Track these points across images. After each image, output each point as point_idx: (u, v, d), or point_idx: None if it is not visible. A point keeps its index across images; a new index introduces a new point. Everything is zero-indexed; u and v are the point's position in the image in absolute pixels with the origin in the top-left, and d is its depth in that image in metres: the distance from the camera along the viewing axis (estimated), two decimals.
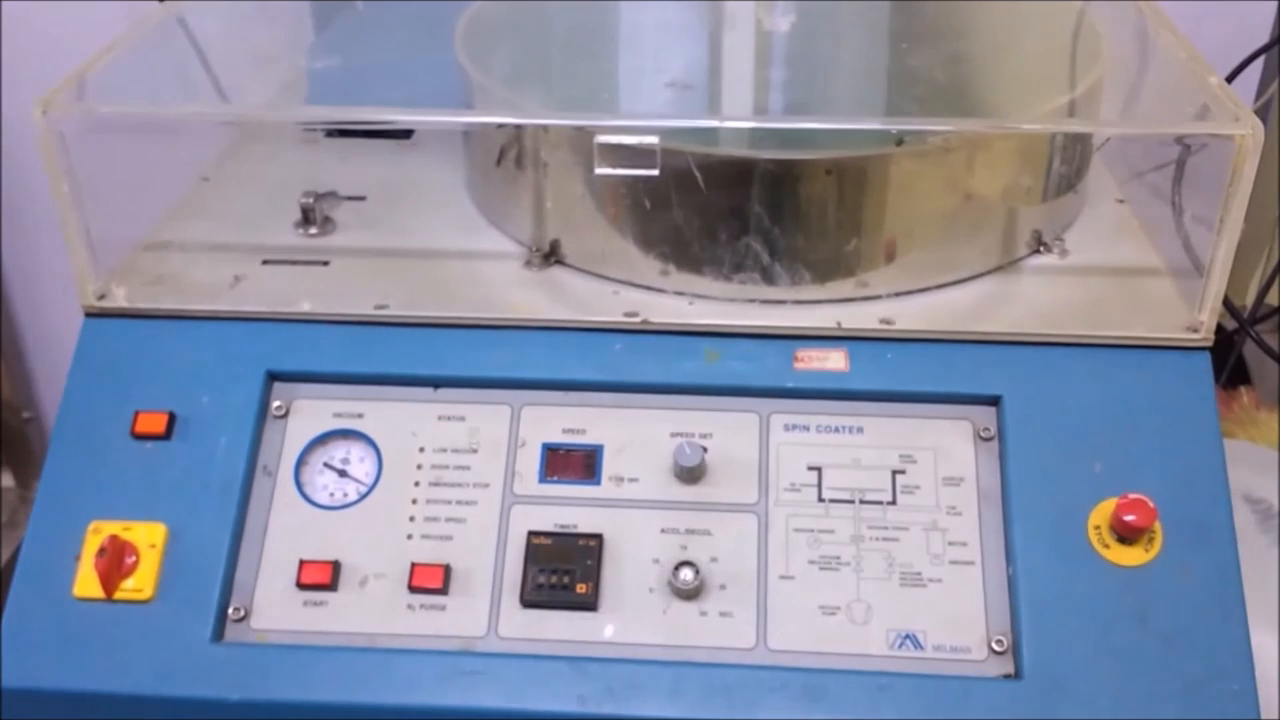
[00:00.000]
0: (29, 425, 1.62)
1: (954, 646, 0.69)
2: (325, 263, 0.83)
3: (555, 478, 0.74)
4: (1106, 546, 0.70)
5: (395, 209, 0.89)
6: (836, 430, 0.75)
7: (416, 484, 0.75)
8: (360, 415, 0.76)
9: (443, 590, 0.71)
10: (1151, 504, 0.69)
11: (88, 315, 0.80)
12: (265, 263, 0.83)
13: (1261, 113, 1.22)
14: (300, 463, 0.75)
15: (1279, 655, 0.86)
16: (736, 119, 0.83)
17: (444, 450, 0.75)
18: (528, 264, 0.83)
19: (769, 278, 0.78)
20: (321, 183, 0.89)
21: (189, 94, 0.94)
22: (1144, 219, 0.88)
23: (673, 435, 0.75)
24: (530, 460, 0.75)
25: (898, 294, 0.79)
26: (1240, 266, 0.76)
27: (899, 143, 0.75)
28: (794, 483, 0.74)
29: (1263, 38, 1.18)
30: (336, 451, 0.76)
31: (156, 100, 0.82)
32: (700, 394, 0.76)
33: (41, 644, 0.70)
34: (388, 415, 0.76)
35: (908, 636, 0.69)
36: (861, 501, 0.73)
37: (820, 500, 0.73)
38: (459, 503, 0.74)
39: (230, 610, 0.71)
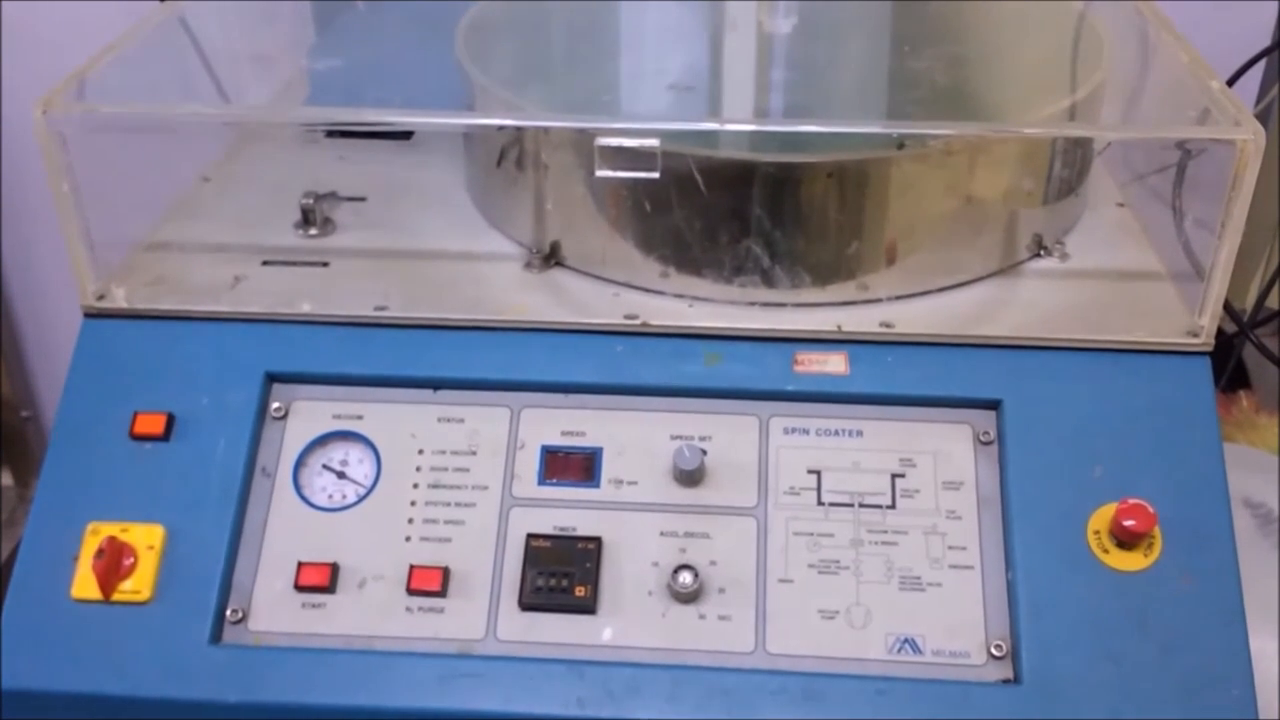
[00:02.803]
0: (28, 424, 1.62)
1: (953, 651, 0.69)
2: (325, 264, 0.83)
3: (554, 480, 0.74)
4: (1106, 551, 0.70)
5: (395, 210, 0.89)
6: (836, 434, 0.75)
7: (415, 486, 0.75)
8: (359, 417, 0.76)
9: (441, 593, 0.71)
10: (1151, 509, 0.69)
11: (87, 315, 0.80)
12: (265, 263, 0.83)
13: (1262, 116, 1.22)
14: (299, 464, 0.75)
15: (1279, 660, 0.85)
16: (737, 122, 0.83)
17: (443, 452, 0.75)
18: (528, 265, 0.83)
19: (769, 280, 0.78)
20: (322, 183, 0.89)
21: (190, 94, 0.94)
22: (1145, 223, 0.88)
23: (672, 438, 0.75)
24: (529, 462, 0.75)
25: (898, 297, 0.79)
26: (1240, 270, 0.76)
27: (900, 146, 0.75)
28: (793, 486, 0.73)
29: (1264, 41, 1.18)
30: (335, 453, 0.76)
31: (157, 100, 0.82)
32: (700, 396, 0.76)
33: (40, 645, 0.70)
34: (387, 417, 0.76)
35: (907, 641, 0.69)
36: (861, 505, 0.73)
37: (820, 504, 0.73)
38: (458, 505, 0.74)
39: (228, 612, 0.71)
